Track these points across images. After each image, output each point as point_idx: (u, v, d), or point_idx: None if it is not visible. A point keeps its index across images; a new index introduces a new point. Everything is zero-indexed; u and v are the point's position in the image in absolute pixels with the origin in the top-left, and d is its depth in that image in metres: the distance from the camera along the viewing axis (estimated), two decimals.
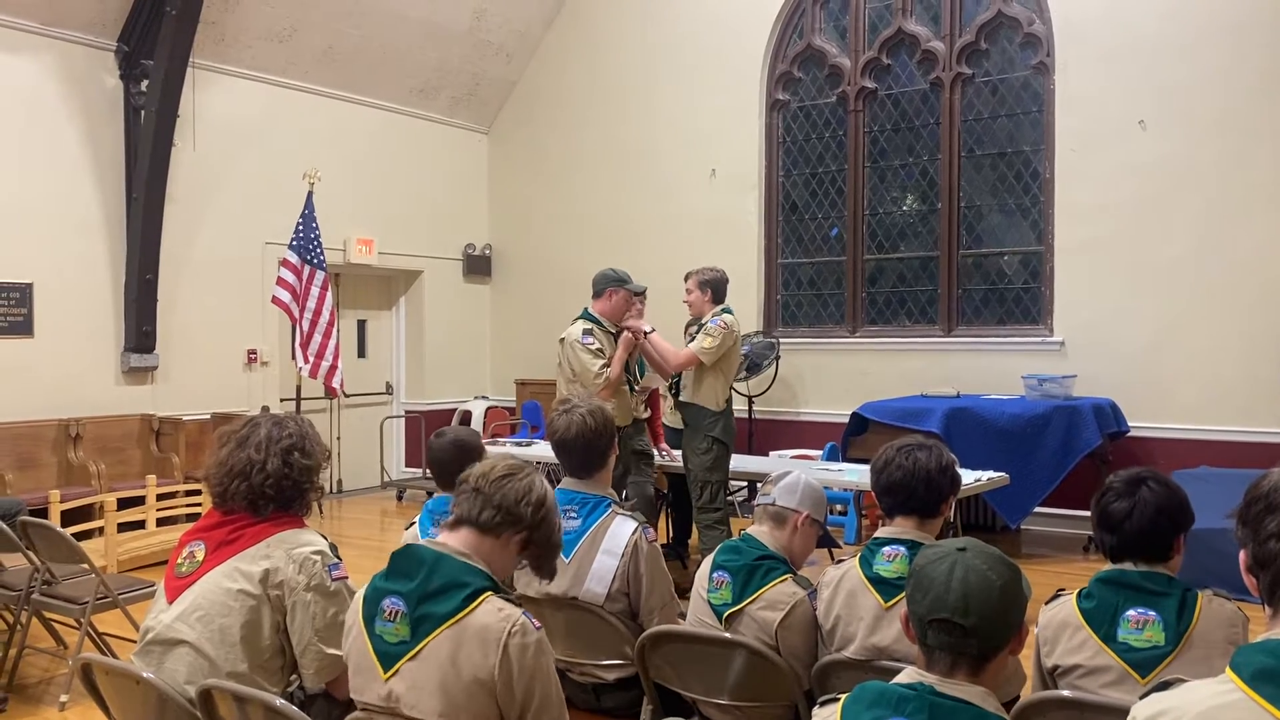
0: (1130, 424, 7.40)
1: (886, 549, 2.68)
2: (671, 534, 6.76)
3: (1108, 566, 2.51)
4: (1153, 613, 2.35)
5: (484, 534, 2.17)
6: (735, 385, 7.44)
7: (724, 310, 5.80)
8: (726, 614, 2.79)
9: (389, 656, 2.03)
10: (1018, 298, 8.29)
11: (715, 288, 5.88)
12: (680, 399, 5.81)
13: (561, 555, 3.08)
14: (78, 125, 7.87)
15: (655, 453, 6.24)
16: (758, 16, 9.24)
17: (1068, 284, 7.88)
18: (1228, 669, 1.28)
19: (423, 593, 2.03)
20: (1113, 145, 7.64)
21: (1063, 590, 2.59)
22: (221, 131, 8.67)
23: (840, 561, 2.85)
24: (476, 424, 10.03)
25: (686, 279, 6.00)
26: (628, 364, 5.79)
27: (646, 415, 6.28)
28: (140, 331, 8.08)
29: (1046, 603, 2.58)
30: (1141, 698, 1.39)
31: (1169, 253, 7.44)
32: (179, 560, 2.54)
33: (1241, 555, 1.44)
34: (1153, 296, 7.52)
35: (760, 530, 2.94)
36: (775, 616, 2.74)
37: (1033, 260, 8.21)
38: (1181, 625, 2.33)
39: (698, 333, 5.82)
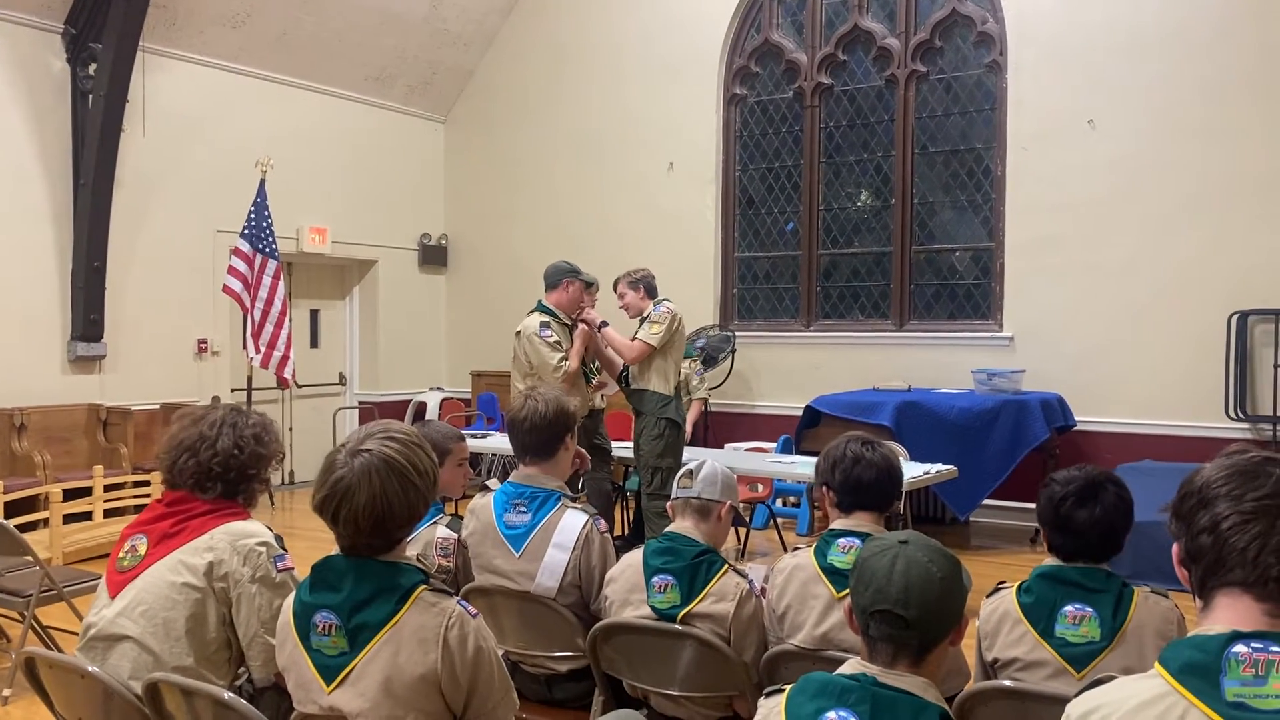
0: (1077, 418, 7.53)
1: (842, 540, 2.72)
2: (629, 527, 6.78)
3: (1051, 561, 2.55)
4: (1089, 609, 2.40)
5: None
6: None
7: (663, 300, 5.88)
8: (680, 616, 2.79)
9: (330, 669, 2.02)
10: (969, 293, 8.40)
11: (647, 284, 5.99)
12: (631, 387, 5.85)
13: (512, 549, 3.12)
14: (24, 109, 7.69)
15: (612, 446, 6.26)
16: (716, 11, 9.25)
17: (1018, 280, 8.00)
18: (1156, 664, 1.31)
19: (354, 603, 2.01)
20: (1063, 144, 7.75)
21: (1003, 583, 2.63)
22: (172, 117, 8.52)
23: (795, 550, 2.89)
24: (432, 416, 9.97)
25: (616, 285, 6.07)
26: (584, 355, 5.82)
27: (603, 406, 6.31)
28: (87, 320, 7.92)
29: (987, 596, 2.63)
30: (1075, 695, 1.42)
31: (1117, 251, 7.57)
32: (120, 554, 2.50)
33: (1174, 548, 1.47)
34: (1101, 294, 7.65)
35: (685, 525, 2.95)
36: (728, 607, 2.77)
37: (984, 257, 8.31)
38: (1117, 621, 2.38)
39: (641, 324, 5.89)
